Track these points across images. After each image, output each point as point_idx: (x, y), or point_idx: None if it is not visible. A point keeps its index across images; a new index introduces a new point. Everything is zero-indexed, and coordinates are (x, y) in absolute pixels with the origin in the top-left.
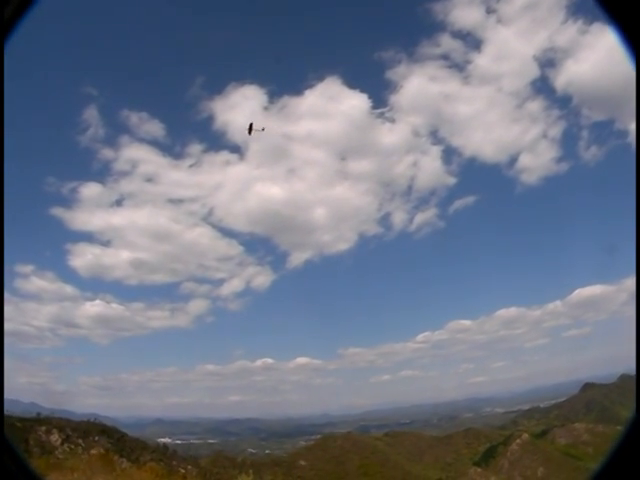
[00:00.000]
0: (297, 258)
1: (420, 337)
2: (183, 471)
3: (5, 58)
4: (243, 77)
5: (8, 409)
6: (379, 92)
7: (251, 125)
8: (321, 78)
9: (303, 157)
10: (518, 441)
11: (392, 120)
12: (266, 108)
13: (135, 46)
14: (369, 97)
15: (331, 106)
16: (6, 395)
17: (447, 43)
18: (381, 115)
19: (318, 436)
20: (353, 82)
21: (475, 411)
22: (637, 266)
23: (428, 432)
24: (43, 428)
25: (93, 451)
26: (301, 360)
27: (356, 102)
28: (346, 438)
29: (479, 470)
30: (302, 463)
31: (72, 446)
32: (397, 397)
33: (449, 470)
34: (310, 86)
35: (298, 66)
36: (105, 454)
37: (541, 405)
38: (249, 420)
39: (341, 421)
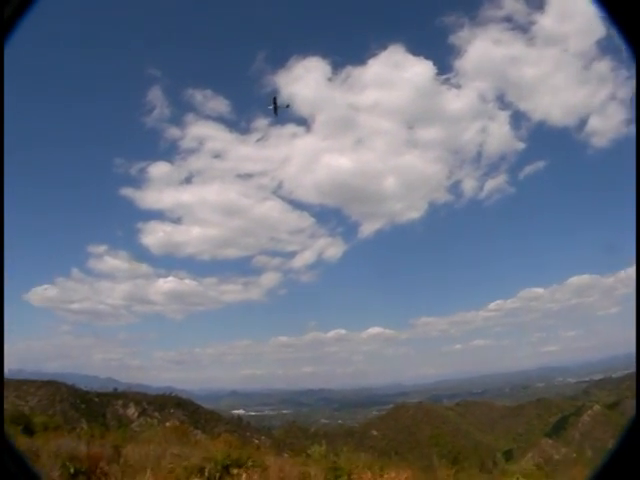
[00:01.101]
0: (368, 228)
1: (492, 305)
2: (257, 442)
3: (5, 58)
4: (305, 49)
5: (87, 384)
6: (443, 58)
7: (275, 101)
8: (384, 46)
9: (370, 127)
10: (589, 412)
11: (458, 86)
12: (330, 79)
13: (195, 24)
14: (433, 63)
15: (396, 74)
16: (85, 371)
17: (509, 4)
18: (446, 81)
19: (390, 406)
20: (416, 49)
21: (547, 381)
22: (637, 264)
23: (500, 402)
24: (120, 402)
25: (168, 423)
26: (373, 330)
27: (420, 69)
28: (418, 408)
29: (550, 441)
30: (374, 433)
31: (148, 419)
32: (469, 366)
33: (520, 441)
34: (373, 55)
35: (360, 35)
36: (180, 426)
37: (613, 375)
38: (322, 391)
39: (413, 391)
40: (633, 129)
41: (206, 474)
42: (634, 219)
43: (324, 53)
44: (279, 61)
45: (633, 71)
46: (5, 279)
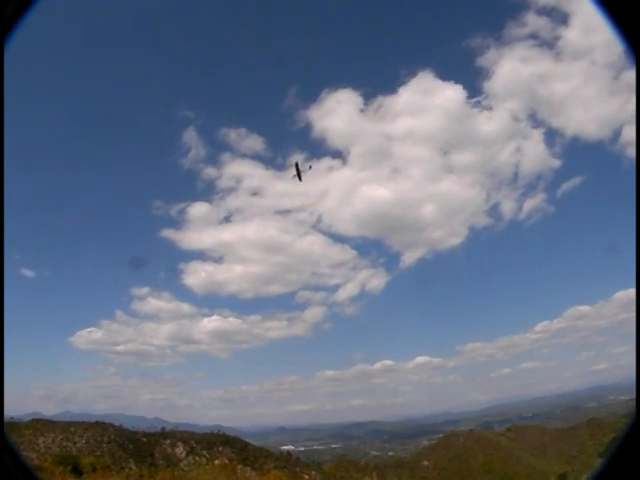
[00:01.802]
0: (410, 257)
1: (538, 327)
2: (307, 477)
3: (5, 58)
4: (336, 82)
5: (134, 425)
6: (472, 81)
7: (297, 167)
8: (413, 74)
9: (405, 155)
10: None
11: (489, 108)
12: (362, 110)
13: (224, 63)
14: (463, 87)
15: (426, 101)
16: (132, 412)
17: (533, 21)
18: (477, 104)
19: (440, 435)
20: (445, 74)
21: (598, 400)
22: (637, 270)
23: (551, 424)
24: (168, 441)
25: (217, 461)
26: (420, 359)
27: (451, 94)
28: (468, 436)
29: None
30: (425, 463)
31: (197, 457)
32: (518, 390)
33: (574, 463)
34: (403, 83)
35: (389, 64)
36: (229, 463)
37: None
38: (371, 423)
39: (463, 418)
40: (633, 129)
41: None
42: (634, 219)
43: (355, 85)
44: (310, 95)
45: (633, 71)
46: (5, 278)
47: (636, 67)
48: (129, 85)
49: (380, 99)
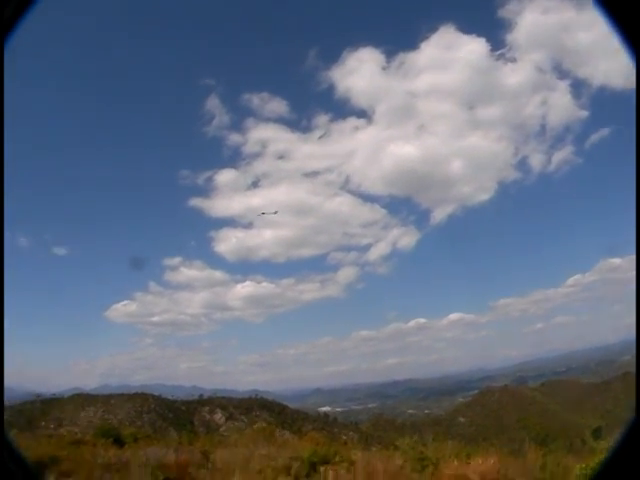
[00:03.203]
0: (440, 214)
1: (570, 281)
2: (344, 437)
3: (5, 58)
4: (357, 41)
5: (173, 394)
6: (495, 33)
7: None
8: (434, 29)
9: (430, 111)
10: None
11: (513, 60)
12: (384, 68)
13: (243, 28)
14: (486, 40)
15: (449, 55)
16: (170, 381)
17: None
18: (501, 56)
19: (475, 391)
20: (467, 27)
21: (633, 353)
22: (637, 266)
23: (585, 379)
24: (206, 408)
25: (255, 426)
26: (453, 316)
27: (474, 47)
28: (503, 391)
29: None
30: (461, 420)
31: (235, 423)
32: (552, 345)
33: (609, 418)
34: (425, 38)
35: (410, 20)
36: (267, 427)
37: None
38: (407, 381)
39: (497, 374)
40: (633, 129)
41: (293, 473)
42: (634, 219)
43: (376, 42)
44: (331, 56)
45: (633, 71)
46: (5, 278)
47: (636, 67)
48: (148, 58)
49: (402, 56)
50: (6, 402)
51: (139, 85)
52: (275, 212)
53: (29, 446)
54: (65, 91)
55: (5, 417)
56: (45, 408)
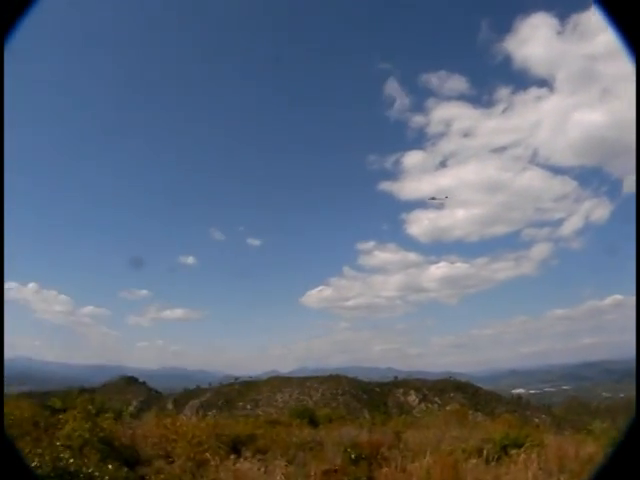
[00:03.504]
0: (632, 182)
1: None
2: (537, 420)
3: (5, 58)
4: (527, 7)
5: (367, 376)
6: None
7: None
8: None
9: (613, 74)
10: None
11: None
12: (559, 32)
13: (410, 8)
14: None
15: None
16: (365, 364)
17: None
18: None
19: None
20: None
21: None
22: (637, 266)
23: None
24: (400, 390)
25: (448, 407)
26: None
27: None
28: None
29: None
30: None
31: (429, 404)
32: None
33: None
34: None
35: None
36: (460, 409)
37: None
38: (603, 362)
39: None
40: (633, 130)
41: (484, 455)
42: (634, 219)
43: (546, 7)
44: (504, 26)
45: (633, 72)
46: (5, 279)
47: (636, 67)
48: (322, 51)
49: (575, 17)
50: (206, 385)
51: (318, 80)
52: (446, 197)
53: (227, 425)
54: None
55: (205, 399)
56: (243, 390)
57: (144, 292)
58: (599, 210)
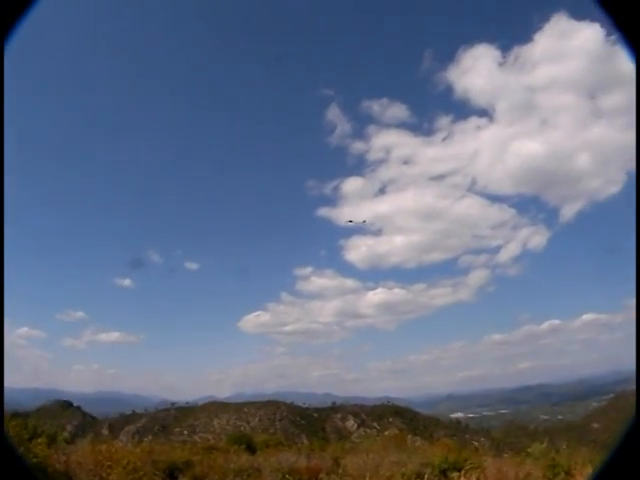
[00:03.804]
0: (569, 210)
1: None
2: (476, 444)
3: (5, 58)
4: (470, 38)
5: (305, 401)
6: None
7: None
8: (547, 18)
9: (551, 105)
10: None
11: None
12: (501, 64)
13: (355, 36)
14: (600, 25)
15: (565, 44)
16: (303, 389)
17: None
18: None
19: (610, 395)
20: (580, 14)
21: None
22: (637, 271)
23: None
24: (338, 415)
25: (387, 432)
26: (587, 317)
27: (588, 33)
28: None
29: None
30: (595, 426)
31: (367, 429)
32: None
33: None
34: (538, 29)
35: (521, 12)
36: (398, 434)
37: None
38: (540, 386)
39: (634, 377)
40: (634, 130)
41: (425, 479)
42: (634, 219)
43: (489, 38)
44: (447, 56)
45: (633, 72)
46: (5, 278)
47: (636, 67)
48: (267, 73)
49: (517, 50)
50: (142, 410)
51: (260, 102)
52: (364, 221)
53: (163, 451)
54: (180, 110)
55: (140, 424)
56: (179, 415)
57: (80, 314)
58: (536, 237)
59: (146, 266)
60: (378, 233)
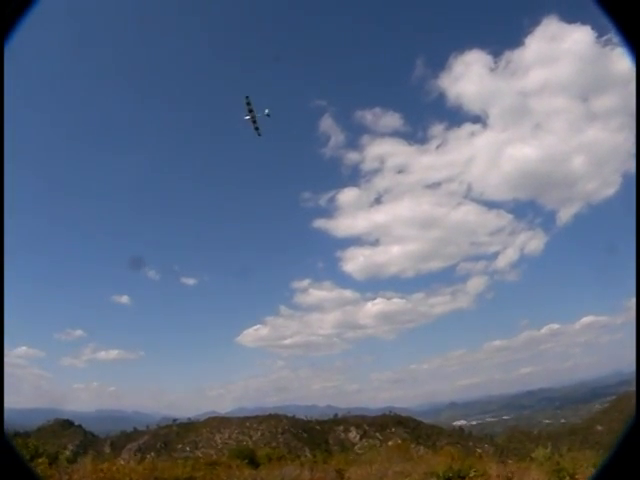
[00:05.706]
0: (565, 214)
1: None
2: (479, 451)
3: (5, 58)
4: (461, 45)
5: (307, 414)
6: (599, 18)
7: (249, 103)
8: (537, 22)
9: (544, 109)
10: None
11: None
12: (492, 69)
13: (347, 45)
14: (591, 27)
15: (556, 47)
16: (304, 402)
17: None
18: (609, 42)
19: (613, 397)
20: (570, 16)
21: None
22: (637, 268)
23: None
24: (341, 427)
25: (390, 443)
26: (587, 319)
27: (579, 36)
28: None
29: None
30: (598, 428)
31: (370, 440)
32: None
33: None
34: (529, 33)
35: (512, 16)
36: (402, 444)
37: None
38: (542, 390)
39: (634, 378)
40: (634, 131)
41: None
42: (634, 219)
43: (480, 44)
44: (438, 63)
45: (633, 72)
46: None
47: (636, 67)
48: (260, 85)
49: (508, 54)
50: (143, 427)
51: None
52: (267, 114)
53: (165, 467)
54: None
55: (142, 441)
56: (181, 432)
57: (79, 332)
58: (534, 242)
59: (143, 283)
60: (375, 243)
